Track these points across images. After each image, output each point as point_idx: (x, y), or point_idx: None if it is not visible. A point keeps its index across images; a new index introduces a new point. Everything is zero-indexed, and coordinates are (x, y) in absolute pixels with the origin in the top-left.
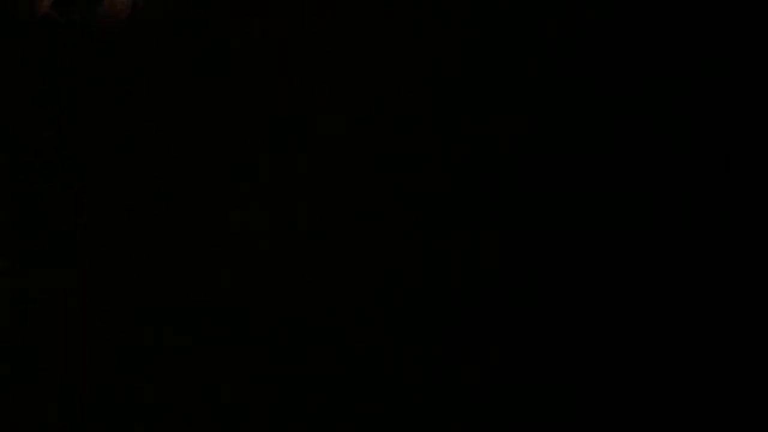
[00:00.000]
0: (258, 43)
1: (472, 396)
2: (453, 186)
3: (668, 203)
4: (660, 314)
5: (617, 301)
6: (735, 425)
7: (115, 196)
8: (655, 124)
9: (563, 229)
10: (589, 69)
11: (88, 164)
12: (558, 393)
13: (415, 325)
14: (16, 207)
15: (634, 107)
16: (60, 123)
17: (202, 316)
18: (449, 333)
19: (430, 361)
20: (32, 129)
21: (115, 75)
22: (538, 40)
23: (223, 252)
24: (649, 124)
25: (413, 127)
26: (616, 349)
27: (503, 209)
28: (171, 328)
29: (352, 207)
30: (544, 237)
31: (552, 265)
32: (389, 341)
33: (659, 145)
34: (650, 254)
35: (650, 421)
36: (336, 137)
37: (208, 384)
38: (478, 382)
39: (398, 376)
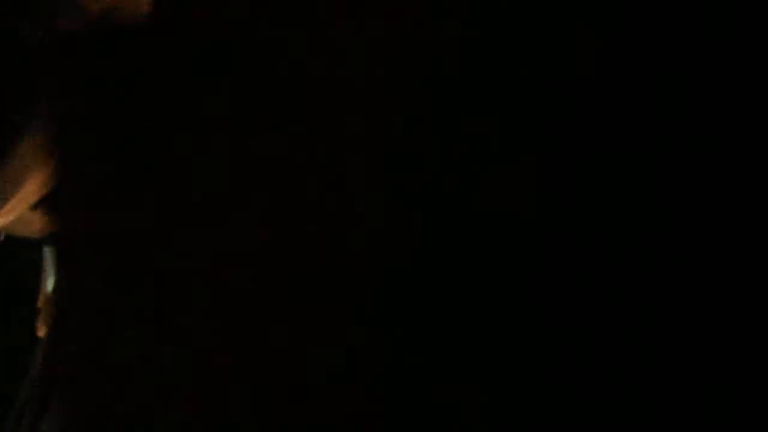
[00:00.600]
0: (258, 44)
1: (472, 396)
2: (452, 186)
3: (676, 207)
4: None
5: (619, 302)
6: (735, 425)
7: (115, 196)
8: (661, 124)
9: (566, 229)
10: (590, 68)
11: (88, 164)
12: (560, 393)
13: (414, 324)
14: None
15: (636, 107)
16: (60, 123)
17: (203, 315)
18: (450, 333)
19: (431, 361)
20: (33, 129)
21: (115, 75)
22: (538, 40)
23: (224, 251)
24: (653, 124)
25: (413, 127)
26: (617, 350)
27: (504, 209)
28: (171, 327)
29: (352, 207)
30: (546, 237)
31: (555, 266)
32: (389, 341)
33: (665, 146)
34: (656, 260)
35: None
36: (336, 137)
37: (208, 384)
38: (479, 382)
39: (398, 375)
